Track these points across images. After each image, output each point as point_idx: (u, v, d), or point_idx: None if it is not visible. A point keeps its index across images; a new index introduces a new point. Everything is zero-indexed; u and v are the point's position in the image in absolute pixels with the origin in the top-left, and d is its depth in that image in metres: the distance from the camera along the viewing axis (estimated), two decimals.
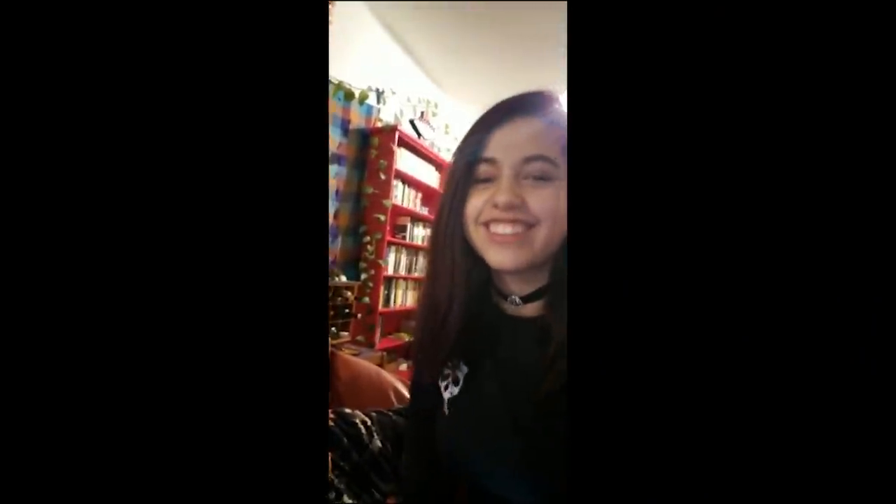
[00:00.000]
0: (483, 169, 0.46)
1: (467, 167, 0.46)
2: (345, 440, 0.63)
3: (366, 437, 0.65)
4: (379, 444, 0.65)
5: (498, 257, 0.45)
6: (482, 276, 0.50)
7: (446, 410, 0.51)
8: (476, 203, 0.46)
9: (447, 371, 0.52)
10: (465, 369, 0.51)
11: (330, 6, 2.09)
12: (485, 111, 0.49)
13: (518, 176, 0.44)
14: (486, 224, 0.45)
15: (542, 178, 0.43)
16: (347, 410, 0.69)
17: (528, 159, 0.44)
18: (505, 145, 0.45)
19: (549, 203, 0.43)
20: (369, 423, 0.67)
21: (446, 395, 0.52)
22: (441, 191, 0.55)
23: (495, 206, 0.44)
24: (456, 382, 0.51)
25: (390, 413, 0.73)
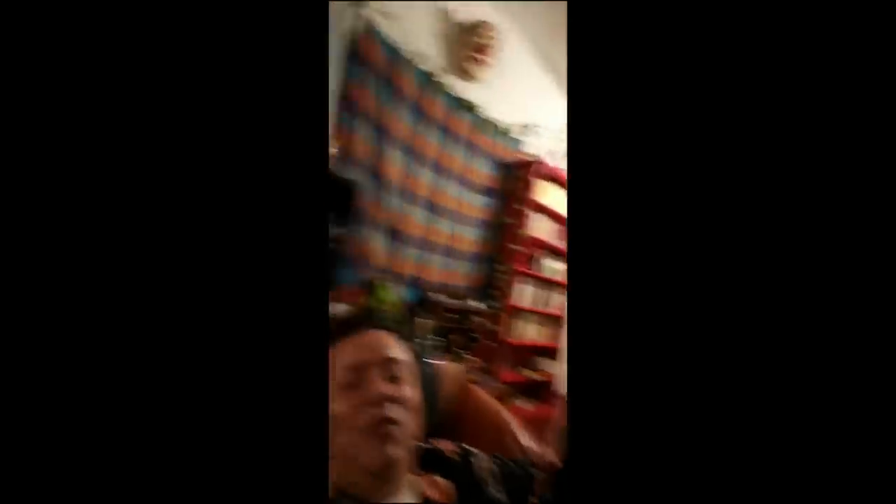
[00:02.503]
0: None
1: None
2: (465, 481, 0.62)
3: (485, 484, 0.63)
4: (496, 494, 0.63)
5: None
6: None
7: None
8: None
9: None
10: None
11: (493, 36, 2.18)
12: None
13: None
14: None
15: None
16: (475, 451, 0.68)
17: None
18: None
19: None
20: (492, 469, 0.66)
21: None
22: None
23: None
24: None
25: (512, 463, 0.70)
